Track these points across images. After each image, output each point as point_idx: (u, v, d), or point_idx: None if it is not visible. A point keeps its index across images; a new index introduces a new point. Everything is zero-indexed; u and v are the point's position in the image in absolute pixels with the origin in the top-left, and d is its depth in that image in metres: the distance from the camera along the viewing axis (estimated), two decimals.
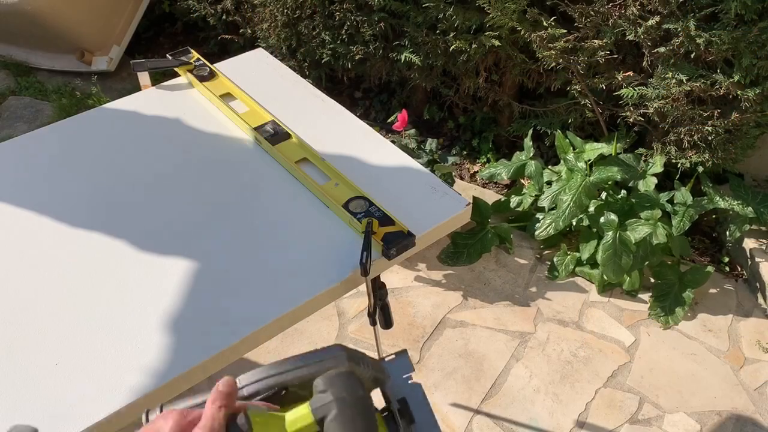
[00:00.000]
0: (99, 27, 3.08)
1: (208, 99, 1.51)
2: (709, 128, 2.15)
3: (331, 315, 2.17)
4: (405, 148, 2.32)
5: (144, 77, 1.57)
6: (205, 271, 1.14)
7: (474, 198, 2.45)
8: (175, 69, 1.58)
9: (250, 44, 2.83)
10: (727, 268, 2.35)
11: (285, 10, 2.58)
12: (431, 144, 2.42)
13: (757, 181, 2.46)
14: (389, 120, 2.58)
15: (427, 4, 2.31)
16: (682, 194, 2.25)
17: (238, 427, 0.60)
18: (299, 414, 0.62)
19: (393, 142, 1.96)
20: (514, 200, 2.51)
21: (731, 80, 2.03)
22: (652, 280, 2.26)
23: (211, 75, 1.55)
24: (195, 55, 1.60)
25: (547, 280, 2.29)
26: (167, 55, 1.59)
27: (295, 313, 1.09)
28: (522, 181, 2.64)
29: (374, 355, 0.95)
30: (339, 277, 1.12)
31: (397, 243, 1.14)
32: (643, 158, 2.36)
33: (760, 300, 2.22)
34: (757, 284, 2.24)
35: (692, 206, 2.21)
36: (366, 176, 1.29)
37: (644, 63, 2.17)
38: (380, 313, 1.21)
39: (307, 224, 1.21)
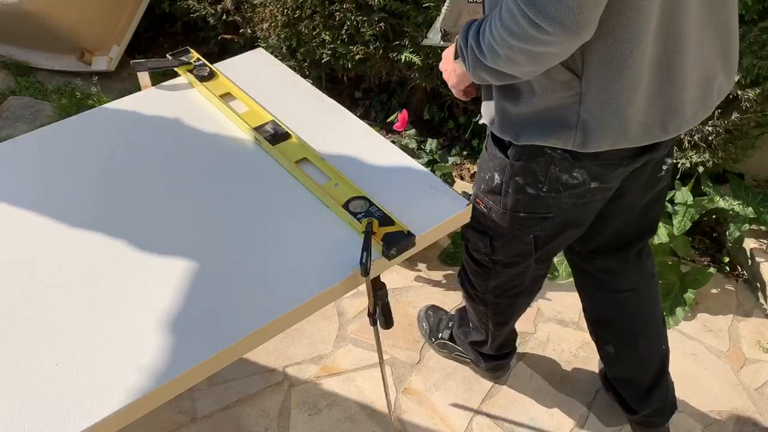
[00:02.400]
0: (99, 27, 3.08)
1: (208, 99, 1.51)
2: (710, 128, 2.15)
3: (331, 315, 2.17)
4: (405, 148, 2.32)
5: (144, 77, 1.57)
6: (204, 271, 1.14)
7: None
8: (175, 69, 1.58)
9: (250, 44, 2.83)
10: (728, 269, 2.34)
11: (285, 10, 2.58)
12: (431, 144, 2.42)
13: (758, 181, 2.46)
14: (389, 120, 2.58)
15: (427, 4, 2.31)
16: (683, 194, 2.25)
17: None
18: None
19: (393, 142, 1.96)
20: None
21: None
22: None
23: (211, 75, 1.55)
24: (195, 55, 1.60)
25: (548, 281, 2.29)
26: (167, 55, 1.60)
27: (294, 313, 1.09)
28: None
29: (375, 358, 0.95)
30: (339, 278, 1.12)
31: (397, 243, 1.14)
32: None
33: (761, 300, 2.22)
34: (758, 284, 2.24)
35: (693, 206, 2.21)
36: (366, 176, 1.29)
37: None
38: (380, 313, 1.21)
39: (307, 224, 1.21)
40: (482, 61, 1.14)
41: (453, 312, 2.01)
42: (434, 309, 2.11)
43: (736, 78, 2.01)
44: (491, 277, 1.59)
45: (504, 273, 1.57)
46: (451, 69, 1.37)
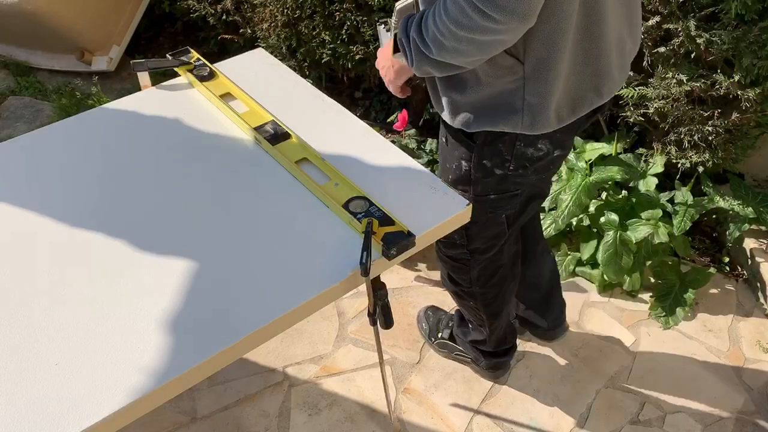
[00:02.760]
0: (99, 27, 3.08)
1: (208, 99, 1.51)
2: (710, 128, 2.15)
3: (331, 315, 2.17)
4: (405, 148, 2.32)
5: (144, 77, 1.57)
6: (204, 271, 1.14)
7: None
8: (175, 69, 1.58)
9: (250, 44, 2.83)
10: (728, 268, 2.35)
11: (285, 10, 2.58)
12: (431, 144, 2.42)
13: (757, 181, 2.46)
14: (389, 120, 2.58)
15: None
16: (683, 194, 2.25)
17: None
18: None
19: (393, 142, 1.96)
20: None
21: (731, 80, 2.03)
22: (653, 281, 2.26)
23: (211, 75, 1.55)
24: (195, 55, 1.60)
25: None
26: (167, 55, 1.60)
27: (294, 313, 1.09)
28: None
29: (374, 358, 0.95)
30: (339, 277, 1.12)
31: (397, 243, 1.14)
32: (643, 158, 2.36)
33: (761, 300, 2.22)
34: (758, 284, 2.24)
35: (693, 206, 2.21)
36: (366, 176, 1.29)
37: (644, 63, 2.17)
38: (380, 313, 1.21)
39: (307, 224, 1.21)
40: (427, 55, 1.16)
41: (452, 312, 2.01)
42: (434, 309, 2.11)
43: (736, 78, 2.01)
44: (472, 267, 1.63)
45: (483, 259, 1.61)
46: (389, 65, 1.39)
